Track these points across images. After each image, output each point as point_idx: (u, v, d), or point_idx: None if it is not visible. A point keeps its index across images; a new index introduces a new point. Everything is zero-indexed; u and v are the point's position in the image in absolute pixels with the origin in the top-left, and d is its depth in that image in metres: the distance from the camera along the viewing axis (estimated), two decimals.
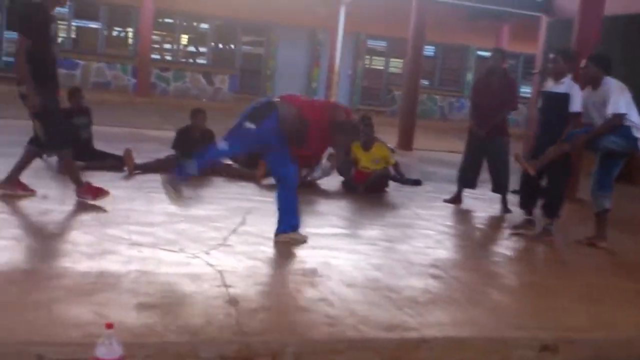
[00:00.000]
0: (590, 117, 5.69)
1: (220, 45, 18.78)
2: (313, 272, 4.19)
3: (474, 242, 6.02)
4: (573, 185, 7.70)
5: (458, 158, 7.39)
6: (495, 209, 7.12)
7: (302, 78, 18.80)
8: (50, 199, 5.38)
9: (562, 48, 6.32)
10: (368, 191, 7.23)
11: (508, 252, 5.53)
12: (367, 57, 19.86)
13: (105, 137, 8.08)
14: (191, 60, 18.53)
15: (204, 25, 18.24)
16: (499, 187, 7.09)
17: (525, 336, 3.54)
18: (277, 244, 4.77)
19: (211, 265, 4.08)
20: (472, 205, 7.25)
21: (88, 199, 5.32)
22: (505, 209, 6.99)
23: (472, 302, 3.99)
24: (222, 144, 4.68)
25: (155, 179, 6.75)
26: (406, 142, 12.52)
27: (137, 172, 7.03)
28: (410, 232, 5.70)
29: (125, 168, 7.07)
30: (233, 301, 3.50)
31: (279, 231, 4.81)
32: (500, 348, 3.46)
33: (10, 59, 14.86)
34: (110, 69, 17.12)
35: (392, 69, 20.08)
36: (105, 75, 17.06)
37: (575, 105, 5.70)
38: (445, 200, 7.21)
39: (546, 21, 13.18)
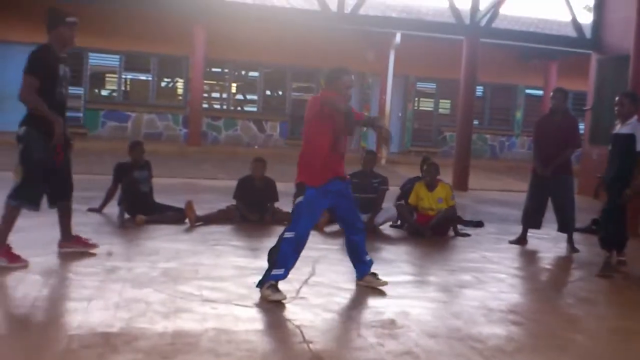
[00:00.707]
0: None
1: (269, 92, 19.02)
2: (392, 323, 4.06)
3: (548, 284, 5.87)
4: (634, 221, 7.59)
5: (514, 197, 7.30)
6: (561, 248, 6.97)
7: None
8: (116, 255, 5.39)
9: (628, 91, 6.59)
10: (435, 233, 7.11)
11: (584, 294, 5.29)
12: (416, 99, 19.82)
13: (161, 188, 8.08)
14: (241, 108, 18.79)
15: (254, 73, 18.54)
16: (566, 226, 6.95)
17: None
18: (352, 293, 4.66)
19: (288, 319, 4.00)
20: (538, 245, 7.10)
21: (2, 261, 4.77)
22: (573, 249, 6.87)
23: (559, 348, 3.80)
24: (287, 234, 4.58)
25: (219, 230, 6.81)
26: (462, 183, 12.38)
27: (198, 223, 7.04)
28: (482, 277, 5.52)
29: (187, 220, 7.09)
30: (317, 358, 3.38)
31: (362, 274, 4.83)
32: None
33: None
34: (162, 119, 17.49)
35: (441, 110, 20.01)
36: (156, 126, 17.43)
37: None
38: (511, 242, 7.08)
39: (596, 59, 12.96)
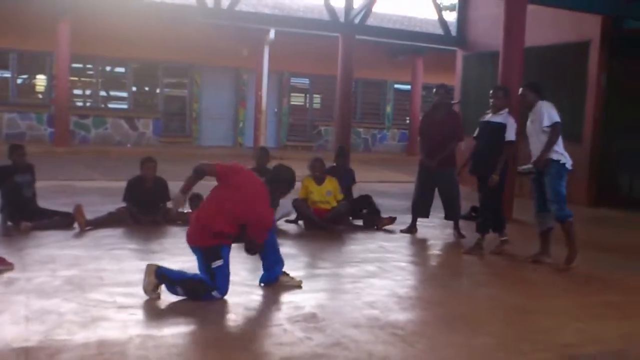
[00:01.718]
0: (531, 147, 6.15)
1: (140, 88, 18.38)
2: (314, 317, 4.14)
3: (444, 269, 6.22)
4: (508, 208, 8.31)
5: (393, 188, 7.62)
6: (447, 234, 7.44)
7: (229, 119, 18.71)
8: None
9: (501, 85, 7.02)
10: (334, 223, 7.31)
11: (478, 277, 5.69)
12: (291, 94, 20.02)
13: (37, 192, 7.45)
14: (110, 106, 18.00)
15: (122, 69, 17.84)
16: (452, 214, 7.36)
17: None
18: (267, 290, 4.70)
19: (212, 321, 3.95)
20: (427, 233, 7.50)
21: None
22: (460, 234, 7.29)
23: (470, 328, 4.08)
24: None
25: (111, 234, 6.55)
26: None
27: (88, 228, 6.72)
28: (385, 266, 5.74)
29: (76, 225, 6.75)
30: (251, 356, 3.39)
31: (275, 275, 4.79)
32: None
33: None
34: (24, 118, 16.37)
35: (315, 105, 20.39)
36: (18, 126, 16.29)
37: (510, 135, 6.29)
38: (402, 231, 7.42)
39: (461, 55, 13.81)
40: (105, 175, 12.19)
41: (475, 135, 6.63)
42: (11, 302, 4.11)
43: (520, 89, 6.35)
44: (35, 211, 6.79)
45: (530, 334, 4.07)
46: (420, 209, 7.42)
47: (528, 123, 6.19)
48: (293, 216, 7.62)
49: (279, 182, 4.77)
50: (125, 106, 17.83)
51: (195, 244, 4.50)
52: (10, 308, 3.99)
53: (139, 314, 4.03)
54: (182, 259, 5.47)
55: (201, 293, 4.34)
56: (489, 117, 6.53)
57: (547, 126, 5.88)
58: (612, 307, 4.81)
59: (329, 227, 7.24)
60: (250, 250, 4.62)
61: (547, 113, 5.92)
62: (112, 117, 17.38)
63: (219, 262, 4.38)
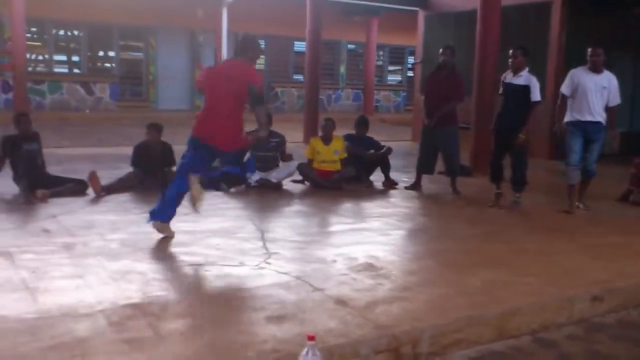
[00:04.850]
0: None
1: (91, 53, 17.92)
2: (372, 266, 4.49)
3: (463, 218, 6.50)
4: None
5: None
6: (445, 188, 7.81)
7: (186, 81, 18.54)
8: (52, 232, 5.15)
9: (520, 44, 7.05)
10: (343, 184, 7.62)
11: (496, 226, 6.12)
12: None
13: None
14: (65, 70, 17.51)
15: (77, 32, 17.34)
16: (452, 170, 7.74)
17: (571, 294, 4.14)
18: (310, 244, 5.03)
19: (285, 273, 4.25)
20: (430, 188, 7.89)
21: None
22: (455, 191, 7.66)
23: (517, 270, 4.53)
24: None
25: (128, 199, 6.67)
26: (313, 136, 13.00)
27: (102, 194, 6.81)
28: (407, 216, 6.20)
29: (90, 191, 6.83)
30: (340, 302, 3.73)
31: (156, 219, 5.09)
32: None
33: None
34: None
35: (270, 67, 20.40)
36: None
37: (536, 95, 6.56)
38: (407, 188, 7.80)
39: (423, 15, 14.16)
40: (73, 141, 12.04)
41: (500, 93, 6.84)
42: (86, 266, 4.26)
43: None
44: (49, 178, 6.82)
45: (564, 272, 4.57)
46: (425, 166, 7.77)
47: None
48: (299, 177, 7.89)
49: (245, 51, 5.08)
50: (79, 71, 17.40)
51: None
52: (89, 271, 4.15)
53: (215, 270, 4.27)
54: (217, 219, 5.72)
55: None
56: (510, 77, 6.69)
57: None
58: (618, 247, 5.39)
59: (336, 186, 7.53)
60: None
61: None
62: (68, 82, 16.96)
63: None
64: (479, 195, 7.48)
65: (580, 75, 6.54)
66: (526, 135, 6.56)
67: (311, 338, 2.78)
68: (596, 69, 6.52)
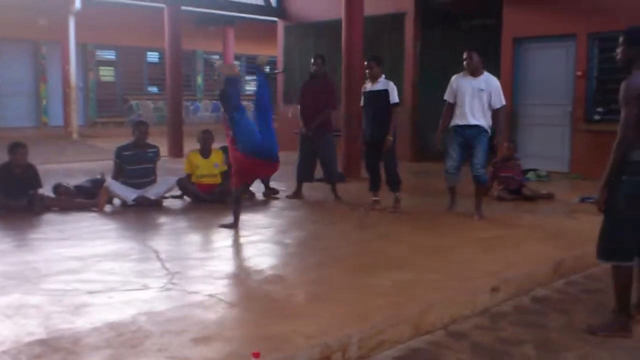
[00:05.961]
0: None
1: None
2: (281, 278, 4.45)
3: (352, 222, 6.60)
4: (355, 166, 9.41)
5: None
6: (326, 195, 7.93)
7: (30, 96, 17.24)
8: None
9: (374, 54, 7.37)
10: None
11: (386, 227, 6.31)
12: (97, 68, 18.97)
13: None
14: None
15: None
16: (331, 176, 7.89)
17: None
18: (215, 260, 4.89)
19: (195, 292, 4.09)
20: (312, 196, 7.96)
21: None
22: (336, 196, 7.79)
23: (398, 267, 4.70)
24: None
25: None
26: (177, 149, 12.72)
27: None
28: (297, 225, 6.21)
29: None
30: (262, 316, 3.65)
31: None
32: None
33: None
34: None
35: (123, 79, 19.52)
36: None
37: (394, 98, 6.84)
38: (288, 197, 7.83)
39: (282, 25, 14.35)
40: None
41: (362, 104, 7.10)
42: None
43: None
44: None
45: (461, 267, 4.81)
46: (304, 174, 7.85)
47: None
48: (178, 192, 7.62)
49: None
50: None
51: None
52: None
53: (117, 297, 4.00)
54: (103, 242, 5.42)
55: None
56: (370, 86, 6.95)
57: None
58: (500, 239, 5.78)
59: (219, 199, 7.32)
60: None
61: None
62: None
63: None
64: (359, 199, 7.65)
65: (458, 81, 6.69)
66: (392, 136, 6.78)
67: (257, 355, 2.70)
68: (472, 73, 6.63)
